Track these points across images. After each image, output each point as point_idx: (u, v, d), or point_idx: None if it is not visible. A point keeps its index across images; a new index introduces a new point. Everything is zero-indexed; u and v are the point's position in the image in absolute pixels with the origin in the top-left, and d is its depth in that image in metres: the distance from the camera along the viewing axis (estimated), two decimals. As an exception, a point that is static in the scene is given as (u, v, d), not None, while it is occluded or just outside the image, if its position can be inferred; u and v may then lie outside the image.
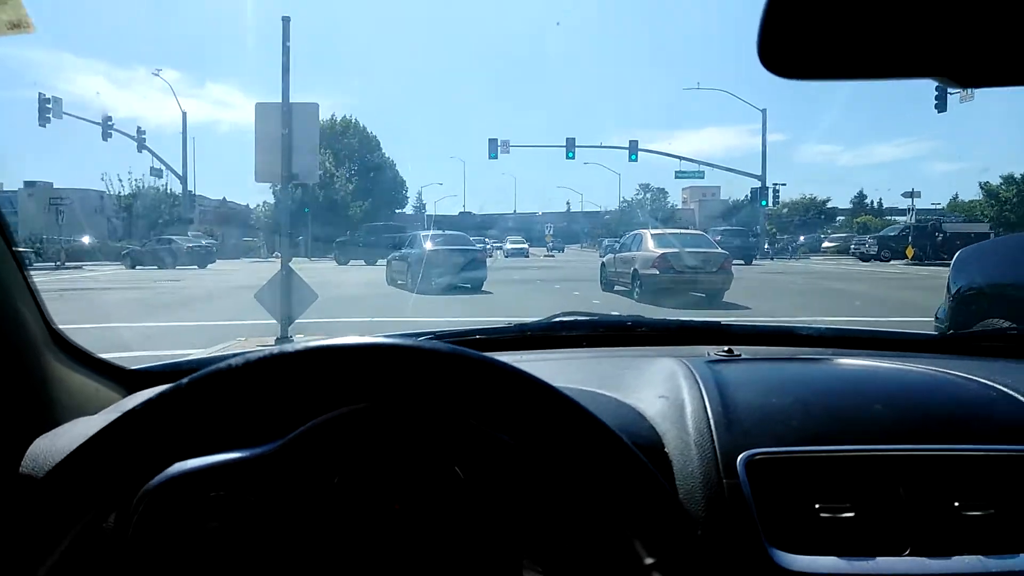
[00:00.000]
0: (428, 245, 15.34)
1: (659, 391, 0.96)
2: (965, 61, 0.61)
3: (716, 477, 0.80)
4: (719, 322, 1.41)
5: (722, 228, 32.94)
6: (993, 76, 0.62)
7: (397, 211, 59.72)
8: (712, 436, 0.84)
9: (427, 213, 65.08)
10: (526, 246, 44.62)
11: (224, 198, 52.06)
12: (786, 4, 0.60)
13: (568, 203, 76.78)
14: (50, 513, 0.58)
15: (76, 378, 1.07)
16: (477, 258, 15.74)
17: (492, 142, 37.43)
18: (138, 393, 1.15)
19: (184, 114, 38.88)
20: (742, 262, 25.56)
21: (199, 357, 1.36)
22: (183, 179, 37.90)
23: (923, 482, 0.80)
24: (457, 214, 70.18)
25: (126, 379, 1.19)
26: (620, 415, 0.90)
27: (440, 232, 17.33)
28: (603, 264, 15.60)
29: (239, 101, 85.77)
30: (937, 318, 4.06)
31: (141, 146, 33.80)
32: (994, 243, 6.28)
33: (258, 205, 51.25)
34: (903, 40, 0.60)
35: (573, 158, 35.64)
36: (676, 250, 12.99)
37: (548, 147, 41.82)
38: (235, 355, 0.62)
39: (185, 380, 0.60)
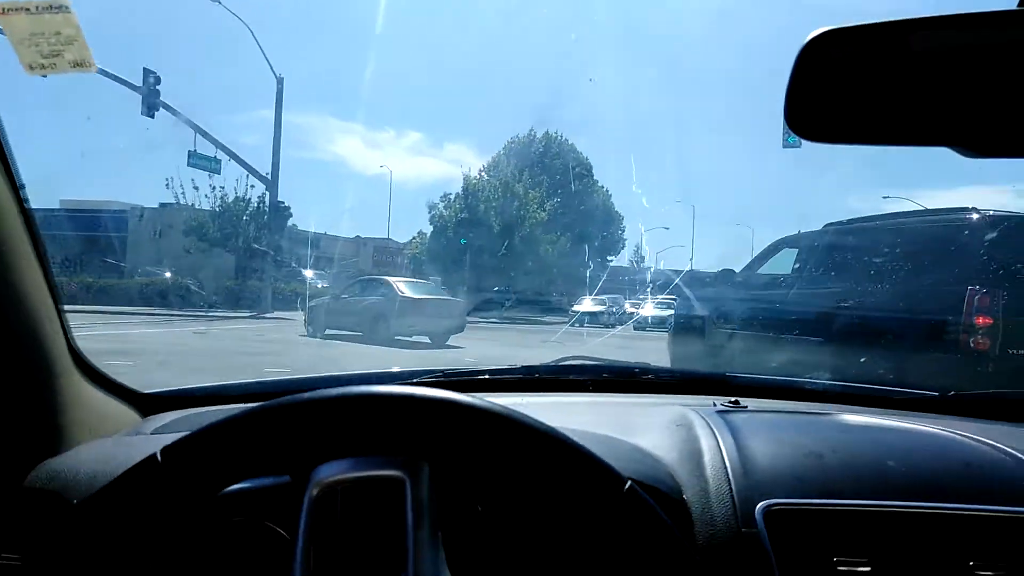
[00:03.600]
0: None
1: (673, 438, 0.98)
2: (978, 131, 0.63)
3: (735, 526, 0.81)
4: (724, 374, 1.45)
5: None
6: (1005, 147, 0.64)
7: (610, 259, 40.73)
8: (730, 485, 0.85)
9: (646, 265, 45.53)
10: None
11: (325, 232, 35.17)
12: (810, 74, 0.64)
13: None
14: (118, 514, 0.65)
15: (94, 398, 1.10)
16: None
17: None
18: (161, 415, 1.19)
19: (279, 79, 21.98)
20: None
21: (208, 385, 1.34)
22: (270, 182, 22.51)
23: (938, 540, 0.80)
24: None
25: (140, 402, 1.21)
26: (637, 460, 0.90)
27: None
28: (311, 308, 15.61)
29: (471, 159, 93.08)
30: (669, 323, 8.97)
31: (151, 101, 17.57)
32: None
33: (413, 237, 36.03)
34: (919, 110, 0.63)
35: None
36: (424, 296, 14.37)
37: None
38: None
39: (259, 407, 0.67)
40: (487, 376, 1.39)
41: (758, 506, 0.81)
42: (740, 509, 0.82)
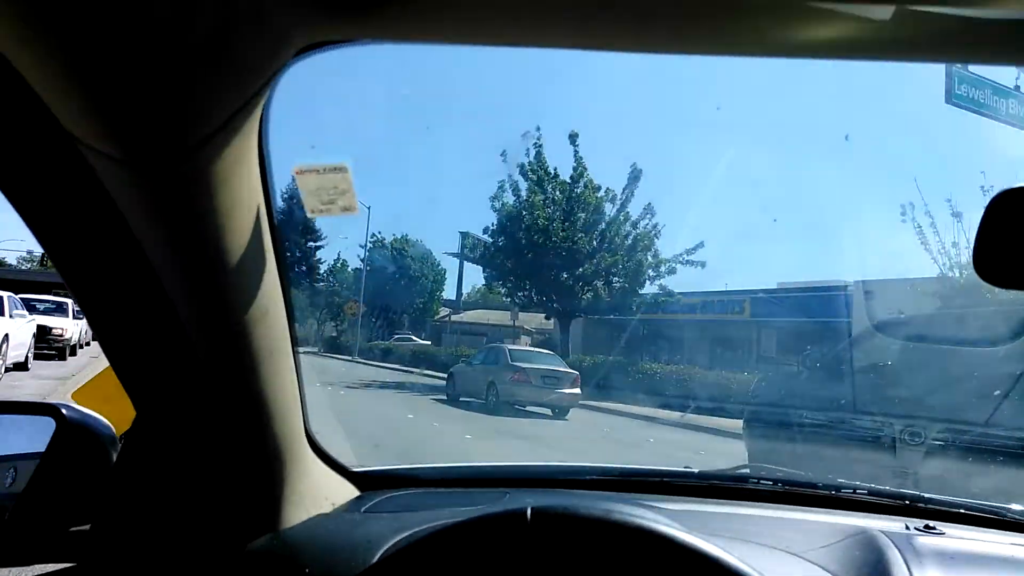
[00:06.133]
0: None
1: (860, 562, 0.95)
2: None
3: None
4: (918, 494, 1.35)
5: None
6: None
7: None
8: None
9: None
10: None
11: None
12: (996, 227, 0.66)
13: None
14: None
15: (319, 473, 1.24)
16: None
17: None
18: (372, 493, 1.30)
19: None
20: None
21: (410, 467, 1.46)
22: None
23: None
24: None
25: (355, 479, 1.32)
26: None
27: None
28: (452, 374, 15.82)
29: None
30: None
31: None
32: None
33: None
34: None
35: None
36: (533, 365, 13.99)
37: None
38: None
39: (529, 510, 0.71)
40: (666, 479, 1.38)
41: None
42: None
